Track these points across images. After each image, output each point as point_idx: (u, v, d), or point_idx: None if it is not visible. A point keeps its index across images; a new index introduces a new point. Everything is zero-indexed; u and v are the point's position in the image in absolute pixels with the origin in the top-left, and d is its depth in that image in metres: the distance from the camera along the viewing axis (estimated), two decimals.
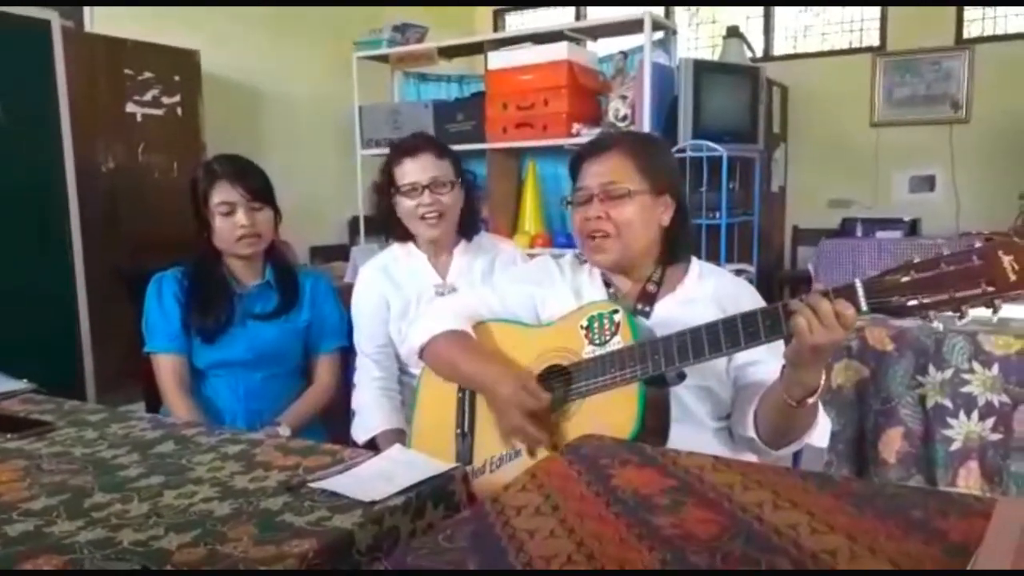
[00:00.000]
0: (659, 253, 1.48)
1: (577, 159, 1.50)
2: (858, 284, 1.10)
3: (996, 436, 1.92)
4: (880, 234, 4.61)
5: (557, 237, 3.63)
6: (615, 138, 1.55)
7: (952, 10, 5.13)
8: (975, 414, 1.94)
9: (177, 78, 3.94)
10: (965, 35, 5.16)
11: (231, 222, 1.77)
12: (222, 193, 1.77)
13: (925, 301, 1.04)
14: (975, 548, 0.70)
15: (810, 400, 1.21)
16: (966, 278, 1.01)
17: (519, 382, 1.34)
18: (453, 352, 1.48)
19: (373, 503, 0.96)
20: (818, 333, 1.10)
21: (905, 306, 1.06)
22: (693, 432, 1.35)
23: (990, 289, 1.00)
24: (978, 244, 1.02)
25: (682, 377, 1.31)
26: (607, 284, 1.51)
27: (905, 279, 1.05)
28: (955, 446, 1.96)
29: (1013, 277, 0.98)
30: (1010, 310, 1.94)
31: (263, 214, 1.81)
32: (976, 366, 1.93)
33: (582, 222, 1.45)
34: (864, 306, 1.09)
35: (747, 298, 1.44)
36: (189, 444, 1.22)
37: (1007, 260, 0.99)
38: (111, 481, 1.07)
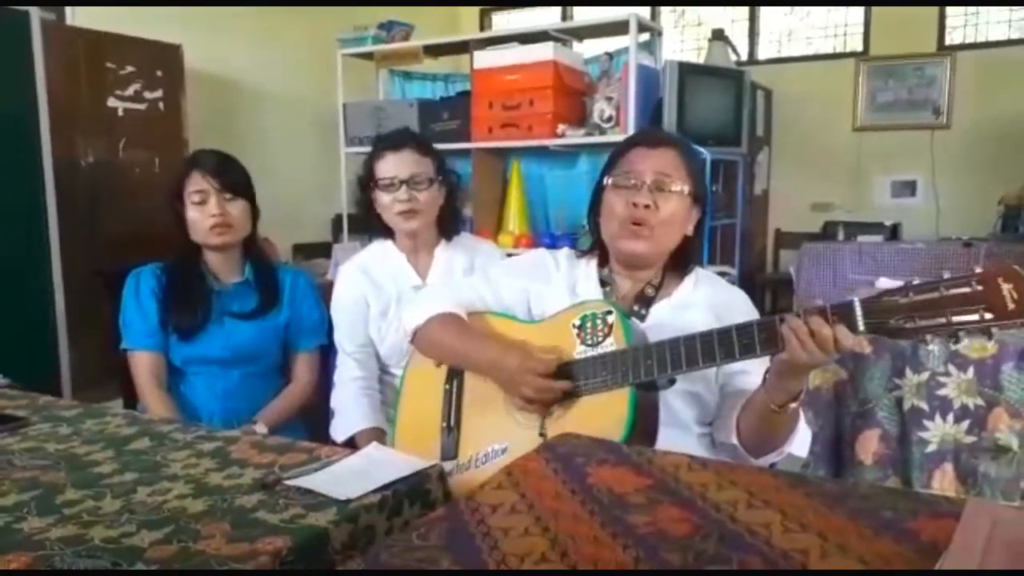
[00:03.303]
0: (667, 260, 1.48)
1: (628, 145, 1.47)
2: (856, 304, 1.09)
3: (971, 439, 1.94)
4: (861, 238, 4.64)
5: (541, 238, 3.62)
6: (668, 135, 1.56)
7: (934, 17, 5.19)
8: (950, 417, 1.95)
9: (160, 73, 3.90)
10: (947, 42, 5.21)
11: (203, 211, 1.76)
12: (195, 183, 1.77)
13: (922, 324, 1.03)
14: (944, 548, 0.71)
15: (792, 405, 1.22)
16: (964, 303, 1.00)
17: (523, 352, 1.34)
18: (449, 334, 1.47)
19: (348, 501, 0.95)
20: (812, 353, 1.10)
21: (902, 328, 1.04)
22: (678, 436, 1.35)
23: (988, 316, 0.98)
24: (978, 269, 1.01)
25: (672, 382, 1.31)
26: (603, 283, 1.50)
27: (903, 300, 1.04)
28: (931, 448, 1.98)
29: (1012, 306, 0.97)
30: None
31: (236, 205, 1.79)
32: (952, 369, 1.95)
33: (626, 206, 1.40)
34: (861, 326, 1.08)
35: (742, 306, 1.44)
36: (164, 441, 1.21)
37: (1007, 288, 0.97)
38: (84, 477, 1.06)
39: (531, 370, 1.31)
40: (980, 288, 0.99)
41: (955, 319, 1.01)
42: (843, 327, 1.08)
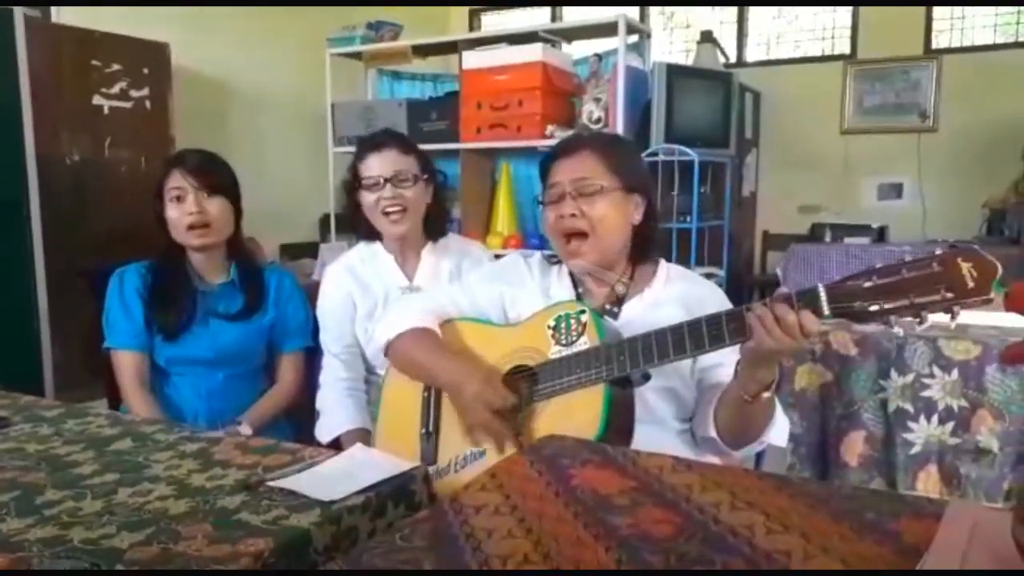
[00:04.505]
0: (629, 252, 1.49)
1: (547, 159, 1.50)
2: (821, 289, 1.10)
3: (955, 440, 1.95)
4: (848, 240, 4.67)
5: (530, 238, 3.63)
6: (585, 138, 1.56)
7: (921, 20, 5.22)
8: (935, 418, 1.97)
9: (146, 71, 3.88)
10: (933, 45, 5.25)
11: (180, 209, 1.75)
12: (174, 181, 1.75)
13: (886, 306, 1.05)
14: (926, 549, 0.71)
15: (765, 395, 1.22)
16: (926, 284, 1.02)
17: (484, 380, 1.35)
18: (418, 350, 1.48)
19: (332, 502, 0.95)
20: (779, 340, 1.11)
21: (867, 311, 1.07)
22: (657, 433, 1.36)
23: (949, 295, 1.01)
24: (938, 252, 1.03)
25: (647, 378, 1.32)
26: (576, 284, 1.51)
27: (867, 284, 1.06)
28: (915, 450, 1.99)
29: (971, 284, 0.99)
30: (969, 316, 1.98)
31: (215, 204, 1.77)
32: (936, 371, 1.96)
33: (556, 220, 1.44)
34: (827, 311, 1.10)
35: (714, 301, 1.45)
36: (147, 441, 1.20)
37: (966, 267, 1.00)
38: (64, 478, 1.05)
39: (485, 402, 1.32)
40: (940, 269, 1.01)
41: (918, 300, 1.03)
42: (808, 312, 1.10)
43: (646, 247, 1.50)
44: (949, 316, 1.03)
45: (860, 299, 1.07)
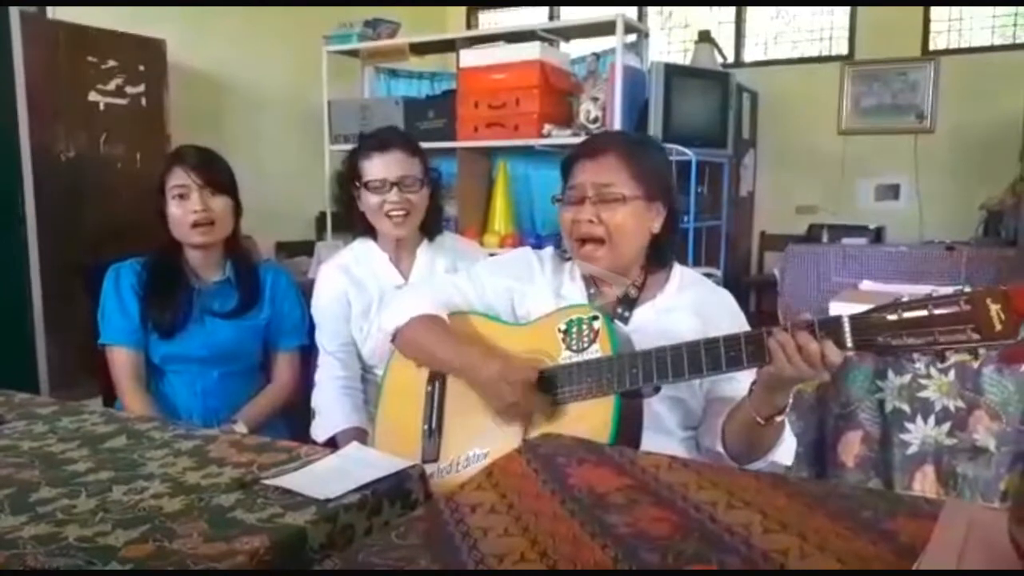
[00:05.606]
0: (644, 259, 1.46)
1: (572, 157, 1.46)
2: (845, 320, 1.09)
3: (951, 441, 1.95)
4: (845, 241, 4.66)
5: (527, 238, 3.61)
6: (612, 139, 1.52)
7: (919, 21, 5.23)
8: (932, 419, 1.97)
9: (142, 67, 3.86)
10: (931, 46, 5.25)
11: (184, 207, 1.73)
12: (177, 178, 1.74)
13: (909, 342, 1.03)
14: (922, 548, 0.71)
15: (778, 418, 1.22)
16: (952, 322, 1.00)
17: (503, 360, 1.33)
18: (429, 336, 1.44)
19: (328, 501, 0.95)
20: (799, 368, 1.10)
21: (890, 345, 1.05)
22: (661, 440, 1.35)
23: (975, 336, 0.98)
24: (967, 290, 1.01)
25: (658, 390, 1.31)
26: (588, 285, 1.49)
27: (892, 317, 1.04)
28: (912, 450, 1.99)
29: (999, 327, 0.97)
30: None
31: (218, 201, 1.76)
32: (933, 372, 1.96)
33: (572, 223, 1.41)
34: (849, 343, 1.08)
35: (726, 309, 1.44)
36: (142, 439, 1.20)
37: (994, 308, 0.97)
38: (59, 476, 1.04)
39: (509, 380, 1.30)
40: (968, 308, 0.99)
41: (943, 338, 1.00)
42: (831, 343, 1.08)
43: (663, 255, 1.48)
44: (972, 357, 1.02)
45: (884, 332, 1.05)
